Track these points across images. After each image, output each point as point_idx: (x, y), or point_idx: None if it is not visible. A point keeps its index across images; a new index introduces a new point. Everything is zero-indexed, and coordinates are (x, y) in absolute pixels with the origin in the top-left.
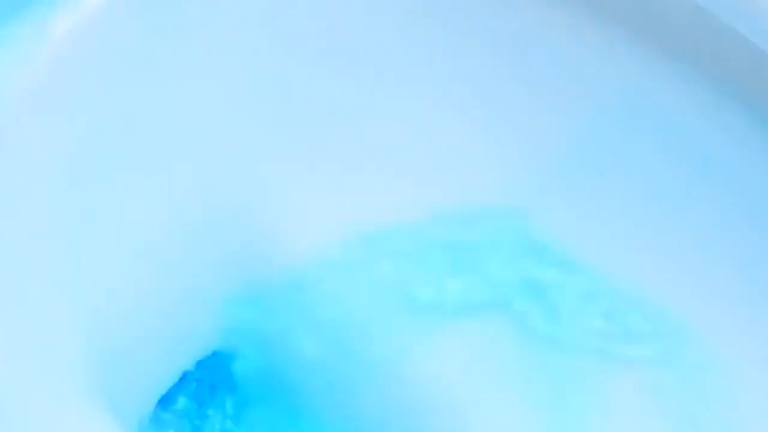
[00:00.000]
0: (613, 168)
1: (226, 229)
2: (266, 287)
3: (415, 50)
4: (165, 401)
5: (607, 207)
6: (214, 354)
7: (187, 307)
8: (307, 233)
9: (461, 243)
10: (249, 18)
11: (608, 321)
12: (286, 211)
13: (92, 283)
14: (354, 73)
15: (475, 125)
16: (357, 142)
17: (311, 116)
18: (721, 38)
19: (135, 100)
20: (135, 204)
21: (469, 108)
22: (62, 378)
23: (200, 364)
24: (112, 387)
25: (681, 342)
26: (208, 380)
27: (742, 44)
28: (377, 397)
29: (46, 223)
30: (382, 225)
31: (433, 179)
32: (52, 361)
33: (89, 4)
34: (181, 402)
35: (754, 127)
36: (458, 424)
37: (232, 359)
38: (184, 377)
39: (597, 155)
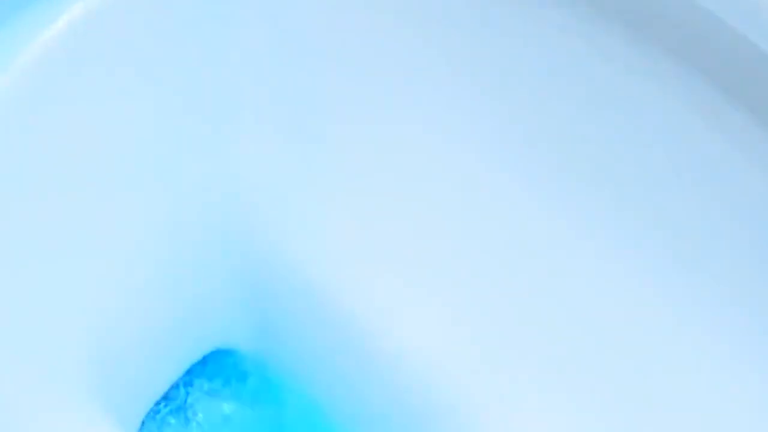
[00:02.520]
0: (612, 167)
1: (228, 231)
2: (266, 289)
3: (419, 54)
4: (165, 401)
5: (602, 205)
6: (215, 353)
7: (187, 308)
8: (309, 238)
9: None
10: (253, 21)
11: None
12: (288, 215)
13: (93, 284)
14: (359, 78)
15: (478, 124)
16: (359, 147)
17: (314, 122)
18: (721, 38)
19: (136, 100)
20: (137, 205)
21: (471, 107)
22: (62, 378)
23: (200, 363)
24: (112, 387)
25: None
26: (209, 379)
27: (742, 44)
28: (380, 393)
29: (47, 224)
30: (385, 229)
31: (437, 180)
32: (52, 361)
33: (91, 2)
34: (181, 401)
35: (754, 127)
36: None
37: (231, 359)
38: (185, 376)
39: (595, 154)
